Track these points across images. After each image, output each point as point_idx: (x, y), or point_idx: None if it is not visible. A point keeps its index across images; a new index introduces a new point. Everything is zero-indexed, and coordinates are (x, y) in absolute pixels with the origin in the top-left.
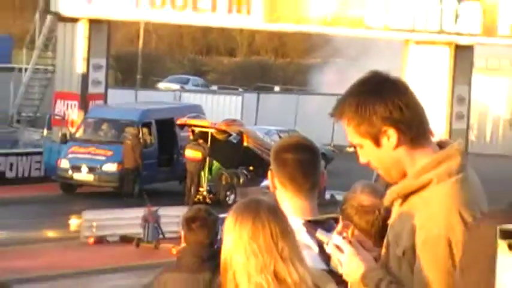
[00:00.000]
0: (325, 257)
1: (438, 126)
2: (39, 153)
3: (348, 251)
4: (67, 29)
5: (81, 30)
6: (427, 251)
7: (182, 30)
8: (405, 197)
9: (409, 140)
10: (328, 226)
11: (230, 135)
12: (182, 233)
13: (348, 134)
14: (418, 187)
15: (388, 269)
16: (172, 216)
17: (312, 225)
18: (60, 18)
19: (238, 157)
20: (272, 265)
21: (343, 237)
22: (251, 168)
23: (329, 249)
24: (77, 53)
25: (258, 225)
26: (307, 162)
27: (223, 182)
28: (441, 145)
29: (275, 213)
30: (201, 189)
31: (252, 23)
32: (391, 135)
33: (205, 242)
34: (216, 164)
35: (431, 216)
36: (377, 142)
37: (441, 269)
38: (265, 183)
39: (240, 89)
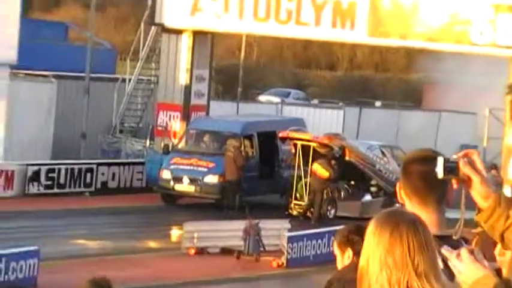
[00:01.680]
0: (450, 273)
1: None
2: (141, 163)
3: (466, 257)
4: (171, 41)
5: (185, 42)
6: None
7: (283, 43)
8: None
9: None
10: (455, 242)
11: (332, 149)
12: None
13: None
14: None
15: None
16: (273, 230)
17: (438, 240)
18: (165, 30)
19: (339, 171)
20: (405, 280)
21: (467, 248)
22: (352, 182)
23: (451, 258)
24: (180, 64)
25: (396, 237)
26: (432, 173)
27: (324, 196)
28: None
29: (415, 226)
30: (301, 202)
31: (356, 37)
32: None
33: None
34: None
35: None
36: None
37: None
38: (366, 198)
39: (341, 103)
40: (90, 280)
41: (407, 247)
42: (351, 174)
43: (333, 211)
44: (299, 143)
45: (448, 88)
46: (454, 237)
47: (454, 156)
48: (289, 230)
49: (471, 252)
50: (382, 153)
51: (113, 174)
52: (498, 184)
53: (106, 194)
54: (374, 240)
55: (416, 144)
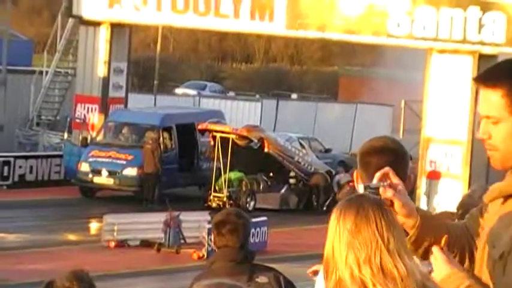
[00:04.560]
0: None
1: (461, 136)
2: (59, 156)
3: (438, 255)
4: (89, 33)
5: (103, 34)
6: None
7: (198, 36)
8: (508, 196)
9: None
10: None
11: (251, 141)
12: (212, 237)
13: (489, 103)
14: None
15: (480, 269)
16: (193, 222)
17: None
18: (82, 22)
19: (258, 163)
20: (378, 257)
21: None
22: (271, 174)
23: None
24: (98, 57)
25: (362, 217)
26: (388, 166)
27: (243, 188)
28: None
29: (379, 206)
30: (221, 194)
31: (274, 29)
32: None
33: (235, 246)
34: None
35: None
36: None
37: None
38: (285, 189)
39: (258, 96)
40: (71, 272)
41: (375, 225)
42: (270, 166)
43: (252, 203)
44: (218, 135)
45: (363, 80)
46: None
47: (375, 181)
48: (209, 222)
49: (441, 249)
50: (301, 145)
51: (31, 167)
52: (414, 175)
53: (24, 187)
54: (338, 224)
55: (333, 136)
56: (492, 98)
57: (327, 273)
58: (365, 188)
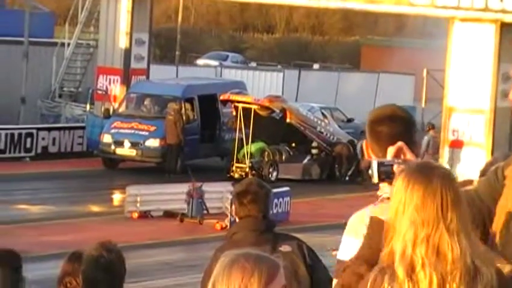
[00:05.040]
0: None
1: (483, 105)
2: (82, 127)
3: None
4: (110, 4)
5: (124, 5)
6: None
7: (219, 7)
8: None
9: None
10: None
11: (273, 111)
12: (234, 207)
13: None
14: None
15: (505, 239)
16: (216, 192)
17: None
18: None
19: (280, 133)
20: (437, 237)
21: None
22: (293, 144)
23: None
24: (119, 28)
25: (429, 193)
26: (400, 134)
27: (266, 159)
28: None
29: (448, 181)
30: (243, 165)
31: (296, 0)
32: None
33: (258, 216)
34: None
35: None
36: None
37: None
38: (307, 160)
39: (280, 66)
40: (99, 243)
41: (441, 203)
42: (292, 137)
43: (274, 173)
44: (240, 105)
45: (385, 50)
46: None
47: (388, 157)
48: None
49: None
50: (323, 115)
51: (53, 139)
52: (436, 144)
53: (47, 159)
54: (405, 195)
55: (355, 105)
56: None
57: (386, 240)
58: (378, 164)
